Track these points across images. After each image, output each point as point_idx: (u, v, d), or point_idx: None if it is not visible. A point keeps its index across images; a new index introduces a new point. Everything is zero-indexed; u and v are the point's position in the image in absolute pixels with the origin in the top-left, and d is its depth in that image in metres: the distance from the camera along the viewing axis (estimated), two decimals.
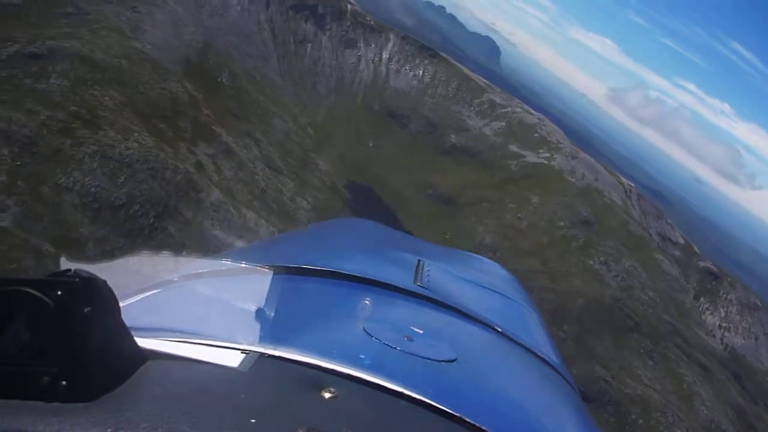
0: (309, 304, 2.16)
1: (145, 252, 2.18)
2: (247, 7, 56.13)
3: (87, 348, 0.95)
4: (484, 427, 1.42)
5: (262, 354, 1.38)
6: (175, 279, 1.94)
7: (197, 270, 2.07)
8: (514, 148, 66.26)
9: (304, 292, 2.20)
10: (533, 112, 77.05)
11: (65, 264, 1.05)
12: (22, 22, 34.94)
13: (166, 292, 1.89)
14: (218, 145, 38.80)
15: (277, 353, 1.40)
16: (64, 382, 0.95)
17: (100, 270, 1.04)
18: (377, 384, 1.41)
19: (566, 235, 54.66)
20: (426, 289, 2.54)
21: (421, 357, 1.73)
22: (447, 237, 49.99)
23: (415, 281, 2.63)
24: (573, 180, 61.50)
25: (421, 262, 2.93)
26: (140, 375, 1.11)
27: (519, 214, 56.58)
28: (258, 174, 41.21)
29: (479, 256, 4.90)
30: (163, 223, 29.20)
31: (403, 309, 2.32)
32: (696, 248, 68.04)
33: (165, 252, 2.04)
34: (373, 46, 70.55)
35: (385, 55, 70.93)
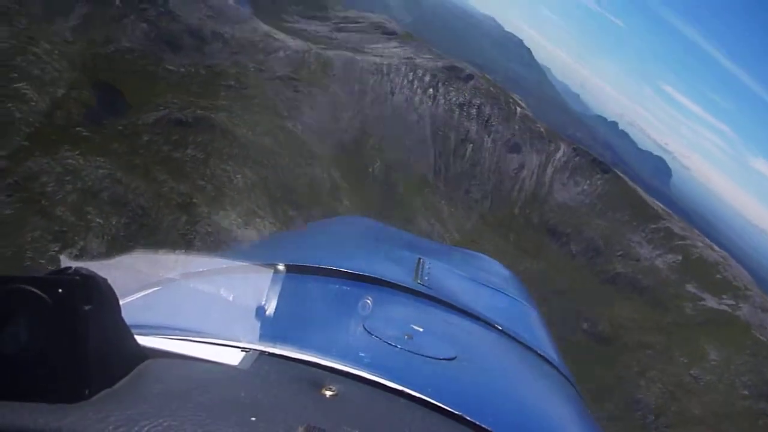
0: (309, 302, 2.14)
1: (145, 250, 1.97)
2: (411, 99, 53.58)
3: (87, 346, 0.96)
4: (483, 425, 1.43)
5: (262, 352, 1.40)
6: (176, 277, 1.90)
7: (197, 268, 2.08)
8: (690, 288, 56.31)
9: (304, 290, 2.19)
10: (716, 248, 66.28)
11: (65, 262, 1.04)
12: (182, 89, 34.25)
13: (166, 290, 1.92)
14: None
15: (277, 351, 1.42)
16: (64, 380, 0.96)
17: (101, 268, 1.04)
18: (377, 382, 1.42)
19: (752, 407, 43.53)
20: (426, 287, 2.56)
21: (421, 355, 1.76)
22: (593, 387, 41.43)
23: (415, 279, 2.64)
24: (763, 338, 50.09)
25: (422, 260, 2.94)
26: (140, 373, 1.11)
27: (691, 370, 46.35)
28: None
29: (479, 254, 4.95)
30: None
31: (403, 307, 2.33)
32: None
33: (165, 250, 1.92)
34: (539, 153, 65.09)
35: (551, 165, 65.03)
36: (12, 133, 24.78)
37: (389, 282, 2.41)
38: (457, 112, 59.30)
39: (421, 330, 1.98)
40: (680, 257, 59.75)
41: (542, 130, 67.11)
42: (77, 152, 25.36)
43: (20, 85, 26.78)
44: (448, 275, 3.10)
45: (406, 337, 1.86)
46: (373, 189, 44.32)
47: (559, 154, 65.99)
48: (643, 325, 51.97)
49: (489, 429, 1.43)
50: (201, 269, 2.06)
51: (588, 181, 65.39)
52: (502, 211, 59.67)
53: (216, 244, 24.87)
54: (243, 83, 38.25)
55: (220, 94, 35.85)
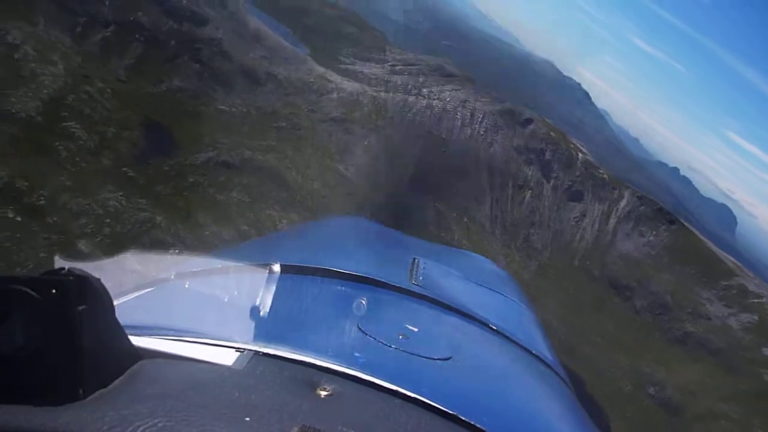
0: (304, 302, 2.14)
1: (139, 250, 1.74)
2: (468, 143, 51.77)
3: (81, 346, 0.96)
4: (478, 425, 1.43)
5: (256, 352, 1.39)
6: (170, 277, 1.93)
7: (191, 268, 2.09)
8: None
9: (299, 290, 2.18)
10: None
11: (59, 263, 1.05)
12: (232, 130, 33.50)
13: (160, 290, 1.91)
14: None
15: (271, 351, 1.42)
16: (58, 381, 0.96)
17: (95, 268, 1.05)
18: (372, 382, 1.42)
19: None
20: (421, 287, 2.55)
21: (416, 355, 1.76)
22: None
23: (410, 279, 2.64)
24: None
25: (416, 261, 2.95)
26: (134, 373, 1.12)
27: None
28: None
29: (474, 254, 5.21)
30: None
31: (398, 307, 2.33)
32: None
33: (159, 250, 1.84)
34: (601, 201, 61.83)
35: (614, 214, 61.62)
36: (56, 173, 24.13)
37: (384, 282, 2.40)
38: (515, 157, 57.07)
39: (415, 330, 1.97)
40: (756, 317, 55.08)
41: (605, 176, 63.93)
42: (120, 193, 24.51)
43: (70, 123, 26.35)
44: (443, 275, 3.10)
45: (400, 337, 1.85)
46: (427, 236, 42.35)
47: (623, 203, 62.56)
48: (716, 391, 47.54)
49: (484, 429, 1.43)
50: (195, 269, 2.06)
51: (653, 232, 61.67)
52: (561, 262, 56.50)
53: None
54: (295, 124, 37.33)
55: (270, 135, 34.94)
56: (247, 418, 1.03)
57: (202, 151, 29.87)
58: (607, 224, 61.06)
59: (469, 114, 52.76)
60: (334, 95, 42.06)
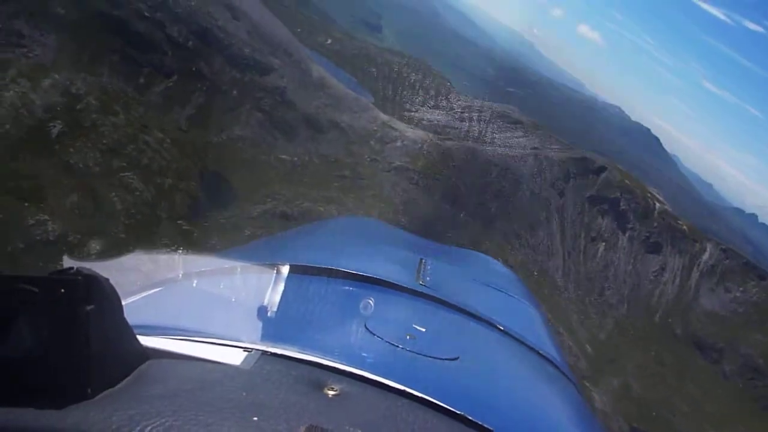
0: (311, 302, 2.14)
1: (147, 251, 2.04)
2: (538, 193, 49.07)
3: (89, 346, 0.97)
4: (486, 425, 1.43)
5: (264, 352, 1.39)
6: (178, 277, 1.93)
7: (199, 268, 2.09)
8: None
9: (306, 290, 2.19)
10: None
11: (68, 262, 1.05)
12: (292, 180, 32.40)
13: (168, 290, 1.92)
14: None
15: (279, 351, 1.41)
16: (67, 380, 0.97)
17: (103, 268, 1.05)
18: (379, 382, 1.42)
19: None
20: (428, 287, 2.55)
21: (424, 355, 1.76)
22: None
23: (417, 279, 2.64)
24: None
25: (423, 261, 2.94)
26: (142, 373, 1.13)
27: None
28: None
29: (481, 254, 5.07)
30: None
31: (405, 307, 2.32)
32: None
33: (167, 251, 2.06)
34: (682, 254, 57.42)
35: (696, 268, 57.04)
36: (110, 225, 23.27)
37: (391, 282, 2.39)
38: (588, 207, 53.82)
39: (423, 330, 1.97)
40: None
41: (685, 228, 59.57)
42: (173, 247, 23.32)
43: (127, 174, 25.68)
44: (450, 275, 3.11)
45: (408, 337, 1.85)
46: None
47: (706, 256, 58.00)
48: None
49: (491, 429, 1.43)
50: (203, 269, 2.06)
51: (741, 288, 56.74)
52: (640, 320, 52.39)
53: None
54: (357, 174, 35.92)
55: (332, 185, 33.62)
56: (255, 418, 1.03)
57: (260, 202, 28.77)
58: (689, 279, 56.54)
59: (538, 162, 50.22)
60: (398, 143, 40.61)
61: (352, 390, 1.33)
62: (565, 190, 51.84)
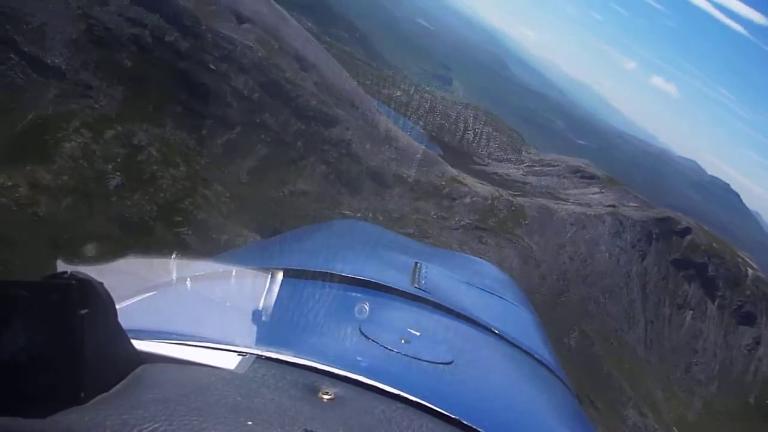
0: (306, 306, 2.12)
1: (142, 254, 2.03)
2: (617, 255, 45.41)
3: (83, 350, 0.97)
4: (481, 429, 1.43)
5: (258, 356, 1.39)
6: (172, 281, 1.93)
7: (194, 272, 2.09)
8: None
9: (300, 294, 2.19)
10: None
11: (62, 266, 1.05)
12: None
13: (162, 294, 1.92)
14: None
15: (273, 355, 1.41)
16: (60, 384, 0.97)
17: (97, 272, 1.05)
18: (374, 386, 1.41)
19: None
20: (423, 291, 2.55)
21: (419, 359, 1.76)
22: None
23: (412, 283, 2.64)
24: None
25: (419, 264, 2.94)
26: (136, 377, 1.13)
27: None
28: None
29: (476, 258, 5.11)
30: None
31: (400, 311, 2.34)
32: None
33: (161, 254, 1.97)
34: None
35: None
36: None
37: (386, 286, 2.40)
38: (672, 272, 49.51)
39: (418, 334, 1.97)
40: None
41: None
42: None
43: (182, 230, 24.55)
44: (446, 279, 3.10)
45: (403, 341, 1.85)
46: (569, 363, 36.16)
47: None
48: None
49: None
50: (197, 273, 2.05)
51: None
52: (733, 399, 47.13)
53: None
54: (423, 231, 33.81)
55: None
56: (249, 422, 1.03)
57: None
58: None
59: (617, 221, 46.71)
60: (467, 200, 38.39)
61: (347, 394, 1.32)
62: (647, 253, 47.83)
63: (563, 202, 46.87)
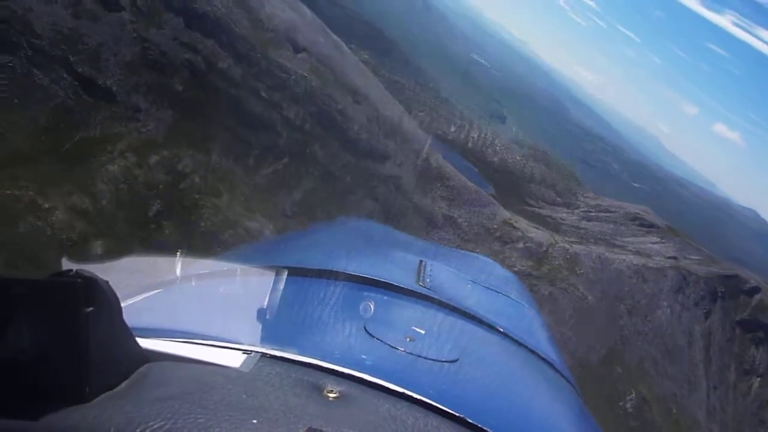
0: (311, 304, 2.12)
1: (147, 253, 2.27)
2: (678, 312, 42.32)
3: (88, 348, 0.97)
4: (485, 428, 1.43)
5: (263, 354, 1.39)
6: (177, 279, 1.92)
7: (199, 271, 2.08)
8: None
9: (306, 292, 2.17)
10: None
11: (67, 264, 1.06)
12: None
13: (167, 292, 1.92)
14: None
15: (278, 354, 1.41)
16: (65, 382, 0.97)
17: (102, 270, 1.05)
18: (379, 384, 1.41)
19: None
20: (428, 289, 2.55)
21: (424, 357, 1.75)
22: None
23: (417, 281, 2.63)
24: None
25: (423, 263, 2.92)
26: (141, 375, 1.13)
27: None
28: None
29: (480, 256, 5.23)
30: None
31: (405, 309, 2.31)
32: None
33: (166, 253, 1.89)
34: None
35: None
36: None
37: (391, 284, 2.37)
38: (739, 334, 45.93)
39: (423, 332, 1.95)
40: None
41: None
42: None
43: None
44: (450, 278, 3.05)
45: (408, 339, 1.84)
46: (623, 428, 33.35)
47: None
48: None
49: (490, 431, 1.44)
50: (202, 272, 2.04)
51: None
52: None
53: None
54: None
55: None
56: (255, 421, 1.03)
57: None
58: None
59: (679, 276, 43.68)
60: (520, 244, 36.33)
61: (352, 392, 1.32)
62: (711, 312, 44.49)
63: (621, 252, 44.19)
